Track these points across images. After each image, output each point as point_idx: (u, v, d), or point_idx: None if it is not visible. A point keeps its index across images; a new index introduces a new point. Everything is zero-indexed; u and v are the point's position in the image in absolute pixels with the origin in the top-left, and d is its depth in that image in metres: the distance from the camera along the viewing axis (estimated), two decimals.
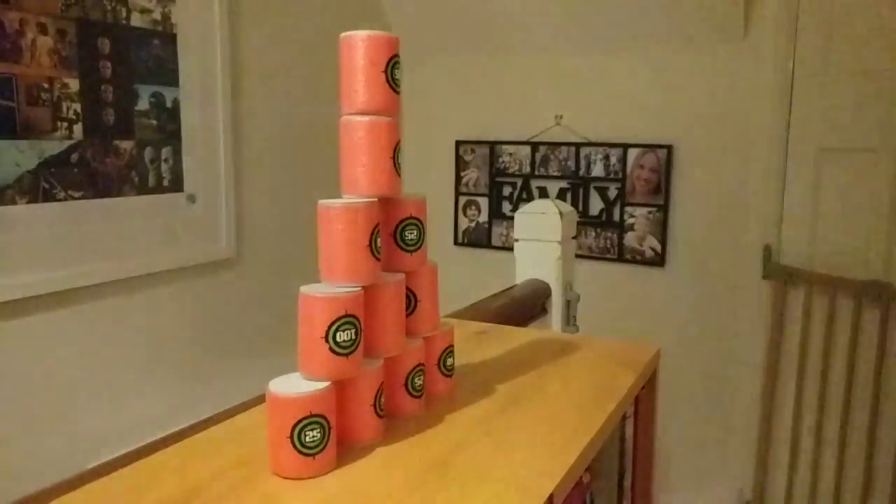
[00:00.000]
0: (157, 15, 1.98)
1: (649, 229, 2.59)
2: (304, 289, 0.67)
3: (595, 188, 2.68)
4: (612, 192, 2.65)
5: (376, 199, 0.71)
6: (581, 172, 2.70)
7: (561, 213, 1.61)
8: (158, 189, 2.02)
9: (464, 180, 2.94)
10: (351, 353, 0.66)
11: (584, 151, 2.68)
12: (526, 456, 0.67)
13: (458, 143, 2.93)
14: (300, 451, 0.63)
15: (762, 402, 2.47)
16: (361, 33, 0.71)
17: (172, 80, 2.04)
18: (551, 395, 0.82)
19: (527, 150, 2.79)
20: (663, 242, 2.57)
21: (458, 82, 2.92)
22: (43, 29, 1.72)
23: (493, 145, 2.86)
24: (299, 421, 0.62)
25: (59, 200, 1.77)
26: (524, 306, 1.52)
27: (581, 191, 2.71)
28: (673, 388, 2.53)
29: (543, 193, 2.78)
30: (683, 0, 2.37)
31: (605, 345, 1.01)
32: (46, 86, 1.73)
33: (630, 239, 2.63)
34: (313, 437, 0.63)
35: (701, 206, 2.52)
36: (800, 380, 2.41)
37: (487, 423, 0.74)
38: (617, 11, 2.49)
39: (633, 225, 2.62)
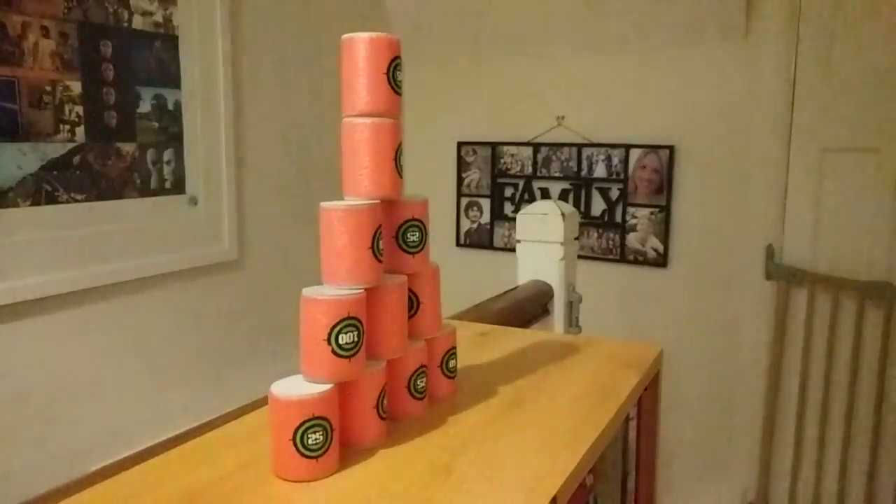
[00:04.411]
0: (158, 17, 1.98)
1: (651, 230, 2.59)
2: (306, 291, 0.67)
3: (597, 189, 2.68)
4: (614, 193, 2.64)
5: (378, 201, 0.71)
6: (583, 173, 2.69)
7: (563, 214, 1.61)
8: (160, 191, 2.03)
9: (465, 181, 2.94)
10: (353, 355, 0.66)
11: (585, 152, 2.68)
12: (529, 458, 0.67)
13: (460, 145, 2.93)
14: (303, 454, 0.63)
15: (765, 402, 2.46)
16: (363, 35, 0.71)
17: (174, 82, 2.04)
18: (554, 397, 0.82)
19: (528, 150, 2.79)
20: (665, 243, 2.57)
21: (459, 83, 2.92)
22: (45, 32, 1.72)
23: (494, 146, 2.86)
24: (302, 423, 0.62)
25: (61, 203, 1.77)
26: (526, 308, 1.52)
27: (583, 192, 2.71)
28: (675, 388, 2.53)
29: (545, 194, 2.78)
30: (685, 0, 2.37)
31: (608, 346, 1.01)
32: (49, 88, 1.74)
33: (632, 240, 2.63)
34: (316, 439, 0.63)
35: (703, 206, 2.51)
36: (803, 380, 2.41)
37: (490, 425, 0.74)
38: (618, 12, 2.49)
39: (635, 226, 2.62)
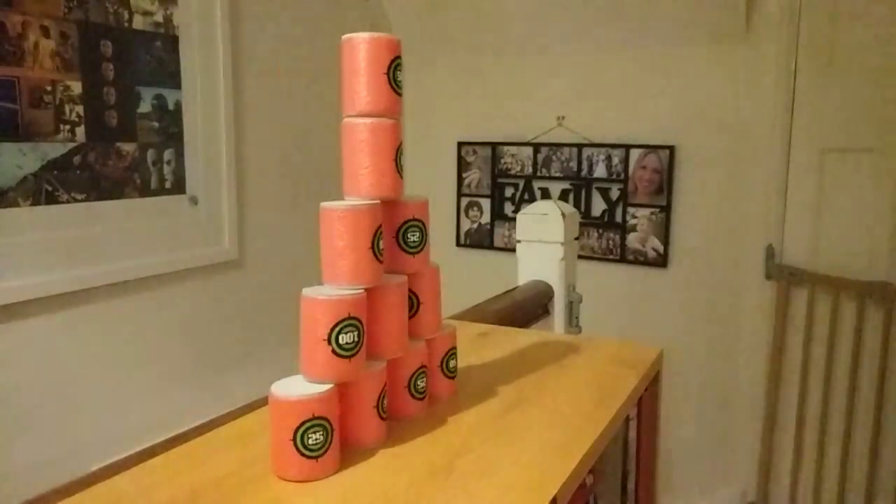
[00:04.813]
0: (159, 17, 1.98)
1: (652, 230, 2.59)
2: (306, 291, 0.67)
3: (597, 189, 2.68)
4: (615, 193, 2.64)
5: (378, 202, 0.71)
6: (583, 173, 2.69)
7: (563, 214, 1.61)
8: (161, 191, 2.03)
9: (466, 181, 2.94)
10: (353, 355, 0.66)
11: (586, 152, 2.68)
12: (529, 458, 0.67)
13: (460, 145, 2.93)
14: (303, 454, 0.63)
15: (765, 403, 2.46)
16: (363, 35, 0.71)
17: (174, 82, 2.04)
18: (554, 397, 0.82)
19: (529, 150, 2.79)
20: (666, 243, 2.57)
21: (459, 83, 2.92)
22: (45, 32, 1.72)
23: (494, 146, 2.86)
24: (302, 423, 0.62)
25: (62, 203, 1.77)
26: (526, 308, 1.52)
27: (583, 192, 2.71)
28: (676, 389, 2.53)
29: (545, 194, 2.78)
30: (685, 0, 2.37)
31: (608, 346, 1.01)
32: (49, 88, 1.74)
33: (632, 240, 2.63)
34: (316, 439, 0.63)
35: (703, 206, 2.51)
36: (803, 380, 2.41)
37: (490, 426, 0.74)
38: (619, 12, 2.49)
39: (635, 226, 2.62)
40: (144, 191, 1.98)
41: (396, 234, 0.76)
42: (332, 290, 0.67)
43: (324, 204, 0.69)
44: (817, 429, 2.40)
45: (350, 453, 0.68)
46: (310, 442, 0.63)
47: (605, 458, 0.85)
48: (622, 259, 2.65)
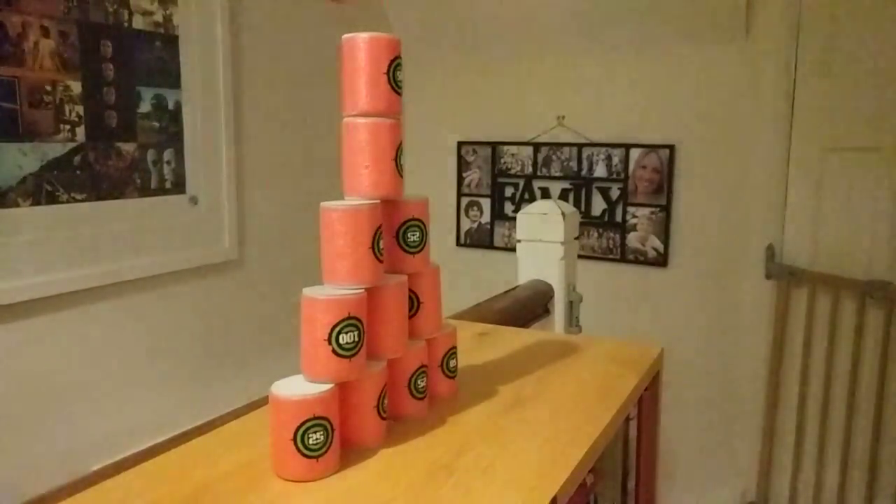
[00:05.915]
0: (158, 17, 1.98)
1: (652, 229, 2.59)
2: (306, 291, 0.67)
3: (597, 188, 2.68)
4: (615, 193, 2.64)
5: (379, 201, 0.71)
6: (583, 173, 2.69)
7: (563, 214, 1.61)
8: (161, 191, 2.03)
9: (466, 181, 2.94)
10: (354, 355, 0.66)
11: (586, 152, 2.68)
12: (529, 458, 0.67)
13: (460, 144, 2.93)
14: (303, 454, 0.63)
15: (766, 402, 2.46)
16: (363, 35, 0.71)
17: (174, 82, 2.04)
18: (554, 397, 0.82)
19: (529, 150, 2.79)
20: (666, 243, 2.57)
21: (459, 83, 2.92)
22: (45, 32, 1.72)
23: (494, 146, 2.85)
24: (302, 423, 0.62)
25: (62, 203, 1.77)
26: (527, 307, 1.52)
27: (583, 191, 2.71)
28: (676, 388, 2.52)
29: (546, 194, 2.78)
30: (685, 1, 2.37)
31: (608, 346, 1.01)
32: (49, 88, 1.74)
33: (632, 239, 2.63)
34: (316, 439, 0.63)
35: (703, 205, 2.51)
36: (803, 379, 2.41)
37: (490, 425, 0.74)
38: (619, 12, 2.49)
39: (635, 225, 2.62)
40: (144, 191, 1.98)
41: (396, 233, 0.76)
42: (333, 289, 0.67)
43: (324, 204, 0.69)
44: (817, 428, 2.40)
45: (350, 453, 0.68)
46: (310, 442, 0.63)
47: (605, 458, 0.85)
48: (622, 258, 2.65)
